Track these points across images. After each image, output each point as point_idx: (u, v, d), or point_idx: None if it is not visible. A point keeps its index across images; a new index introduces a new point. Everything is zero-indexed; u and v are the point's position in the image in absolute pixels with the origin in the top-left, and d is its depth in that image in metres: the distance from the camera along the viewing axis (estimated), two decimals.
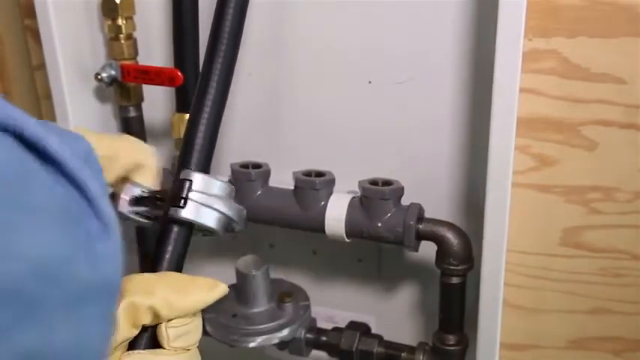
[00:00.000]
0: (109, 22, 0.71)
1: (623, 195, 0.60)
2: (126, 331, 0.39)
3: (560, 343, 0.67)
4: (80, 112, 0.75)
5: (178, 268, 0.45)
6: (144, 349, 0.40)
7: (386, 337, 0.71)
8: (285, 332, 0.68)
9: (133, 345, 0.40)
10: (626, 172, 0.59)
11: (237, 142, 0.75)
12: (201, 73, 0.49)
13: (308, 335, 0.71)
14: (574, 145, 0.60)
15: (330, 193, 0.65)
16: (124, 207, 0.44)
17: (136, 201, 0.44)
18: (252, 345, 0.67)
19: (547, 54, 0.57)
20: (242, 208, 0.46)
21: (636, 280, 0.63)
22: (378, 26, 0.65)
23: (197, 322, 0.41)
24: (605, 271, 0.63)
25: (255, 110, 0.73)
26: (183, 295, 0.40)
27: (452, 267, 0.62)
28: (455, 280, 0.63)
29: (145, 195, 0.44)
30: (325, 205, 0.64)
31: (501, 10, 0.53)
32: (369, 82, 0.67)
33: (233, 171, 0.68)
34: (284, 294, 0.71)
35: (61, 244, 0.25)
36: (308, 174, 0.66)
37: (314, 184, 0.64)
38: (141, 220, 0.45)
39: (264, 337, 0.68)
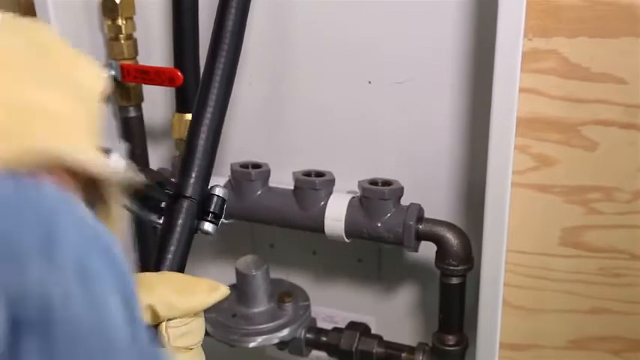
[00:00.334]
0: (109, 22, 0.71)
1: (622, 195, 0.60)
2: None
3: (560, 343, 0.67)
4: None
5: (181, 268, 0.45)
6: None
7: (386, 338, 0.71)
8: (285, 332, 0.68)
9: None
10: (626, 172, 0.59)
11: (237, 142, 0.75)
12: (203, 74, 0.49)
13: (308, 335, 0.71)
14: (574, 145, 0.60)
15: (330, 193, 0.65)
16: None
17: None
18: (252, 345, 0.67)
19: (547, 54, 0.57)
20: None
21: (636, 280, 0.63)
22: (377, 27, 0.65)
23: (198, 323, 0.41)
24: (604, 271, 0.63)
25: (256, 110, 0.73)
26: (182, 296, 0.40)
27: (451, 267, 0.62)
28: (454, 280, 0.63)
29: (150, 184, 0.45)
30: (325, 205, 0.64)
31: (501, 10, 0.53)
32: (369, 83, 0.67)
33: (233, 171, 0.68)
34: (284, 294, 0.71)
35: None
36: (308, 174, 0.66)
37: (314, 184, 0.65)
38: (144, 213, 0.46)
39: (264, 337, 0.68)
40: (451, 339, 0.66)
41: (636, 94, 0.57)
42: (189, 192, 0.47)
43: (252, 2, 0.53)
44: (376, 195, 0.62)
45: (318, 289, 0.79)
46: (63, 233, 0.24)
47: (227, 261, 0.81)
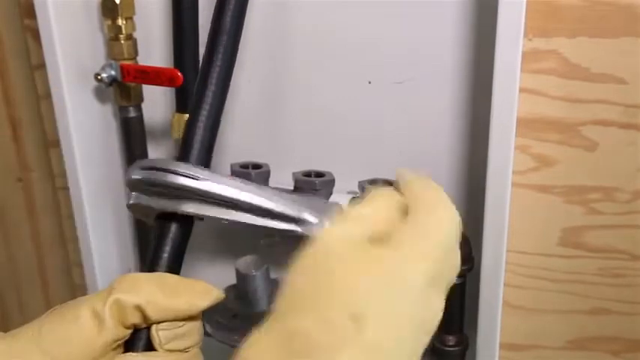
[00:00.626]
0: (109, 23, 0.71)
1: (622, 195, 0.60)
2: (115, 330, 0.38)
3: (560, 343, 0.67)
4: (80, 112, 0.75)
5: (175, 269, 0.44)
6: (139, 351, 0.40)
7: None
8: None
9: (129, 346, 0.40)
10: (626, 172, 0.59)
11: (237, 142, 0.74)
12: (200, 71, 0.49)
13: None
14: (574, 145, 0.60)
15: (330, 194, 0.65)
16: None
17: None
18: None
19: (547, 54, 0.57)
20: None
21: (636, 280, 0.63)
22: (377, 27, 0.65)
23: (193, 326, 0.41)
24: (604, 272, 0.63)
25: (255, 110, 0.73)
26: (172, 297, 0.39)
27: None
28: (455, 280, 0.63)
29: None
30: None
31: (501, 10, 0.53)
32: (369, 83, 0.67)
33: (233, 171, 0.68)
34: None
35: None
36: (308, 174, 0.66)
37: (314, 185, 0.64)
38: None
39: None
40: (451, 339, 0.66)
41: (636, 94, 0.57)
42: None
43: (251, 2, 0.53)
44: None
45: None
46: None
47: (227, 261, 0.81)
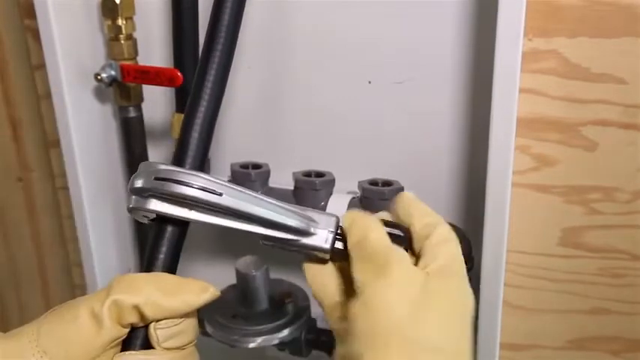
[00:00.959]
0: (109, 23, 0.71)
1: (622, 195, 0.60)
2: (113, 329, 0.39)
3: (560, 343, 0.67)
4: (80, 112, 0.75)
5: (172, 268, 0.45)
6: (137, 349, 0.40)
7: None
8: (285, 332, 0.68)
9: (126, 345, 0.40)
10: (626, 172, 0.59)
11: (237, 142, 0.75)
12: (197, 71, 0.49)
13: (308, 335, 0.71)
14: (574, 145, 0.60)
15: (330, 194, 0.65)
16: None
17: None
18: (252, 345, 0.67)
19: (547, 54, 0.57)
20: None
21: (635, 280, 0.63)
22: (377, 27, 0.65)
23: (189, 323, 0.41)
24: (604, 272, 0.63)
25: (255, 110, 0.73)
26: (169, 296, 0.40)
27: None
28: None
29: None
30: (325, 206, 0.64)
31: (501, 10, 0.53)
32: (369, 82, 0.67)
33: (233, 171, 0.68)
34: (284, 294, 0.71)
35: None
36: (308, 174, 0.66)
37: (314, 185, 0.65)
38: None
39: (264, 337, 0.67)
40: None
41: (636, 94, 0.57)
42: None
43: (251, 2, 0.53)
44: (376, 195, 0.62)
45: None
46: None
47: (227, 261, 0.81)
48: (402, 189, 0.63)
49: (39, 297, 1.02)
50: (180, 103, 0.70)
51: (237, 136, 0.74)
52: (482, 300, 0.62)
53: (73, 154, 0.75)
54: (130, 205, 0.44)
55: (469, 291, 0.41)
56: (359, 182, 0.64)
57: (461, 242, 0.44)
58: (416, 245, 0.43)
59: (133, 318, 0.39)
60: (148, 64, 0.72)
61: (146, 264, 0.44)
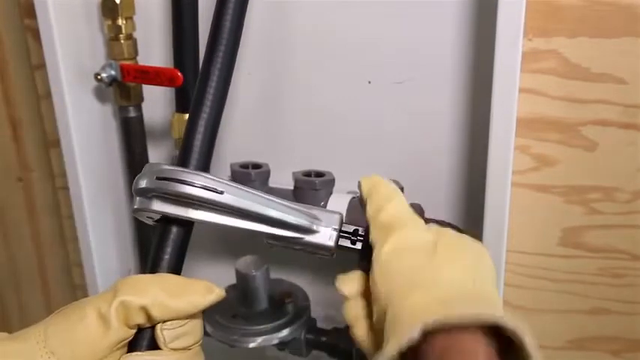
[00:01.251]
0: (109, 22, 0.71)
1: (622, 195, 0.60)
2: (120, 330, 0.39)
3: (560, 343, 0.67)
4: (80, 112, 0.75)
5: (177, 269, 0.45)
6: (144, 350, 0.40)
7: None
8: (285, 332, 0.68)
9: (133, 346, 0.40)
10: (626, 172, 0.59)
11: (237, 142, 0.75)
12: (201, 73, 0.49)
13: (308, 335, 0.71)
14: (574, 145, 0.60)
15: (330, 193, 0.65)
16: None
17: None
18: (252, 345, 0.67)
19: (547, 54, 0.57)
20: None
21: (635, 280, 0.63)
22: (377, 27, 0.65)
23: (195, 324, 0.41)
24: (604, 271, 0.63)
25: (255, 110, 0.73)
26: (175, 297, 0.40)
27: None
28: None
29: None
30: (325, 206, 0.64)
31: (501, 10, 0.53)
32: (369, 82, 0.67)
33: (233, 171, 0.68)
34: (284, 294, 0.71)
35: None
36: (308, 174, 0.66)
37: (314, 184, 0.65)
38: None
39: (264, 337, 0.68)
40: None
41: (636, 94, 0.57)
42: None
43: (251, 2, 0.53)
44: None
45: (318, 289, 0.79)
46: None
47: (227, 261, 0.81)
48: (402, 189, 0.63)
49: (39, 297, 1.02)
50: (180, 103, 0.70)
51: (237, 136, 0.74)
52: None
53: (73, 154, 0.75)
54: (135, 206, 0.44)
55: (482, 246, 0.43)
56: (359, 182, 0.64)
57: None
58: None
59: (140, 319, 0.39)
60: (148, 64, 0.72)
61: (151, 265, 0.44)
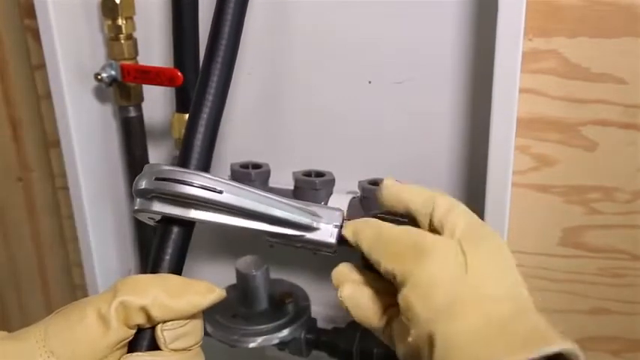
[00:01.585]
0: (109, 22, 0.71)
1: (622, 195, 0.60)
2: (120, 331, 0.39)
3: None
4: (80, 112, 0.75)
5: (178, 270, 0.45)
6: (144, 350, 0.40)
7: None
8: (285, 332, 0.68)
9: (133, 346, 0.40)
10: (626, 172, 0.59)
11: (237, 142, 0.75)
12: (201, 73, 0.49)
13: (308, 335, 0.71)
14: (574, 145, 0.60)
15: (330, 193, 0.65)
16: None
17: None
18: (252, 345, 0.67)
19: (547, 54, 0.57)
20: None
21: (636, 280, 0.63)
22: (377, 27, 0.65)
23: (195, 324, 0.41)
24: (604, 271, 0.63)
25: (255, 110, 0.73)
26: (176, 298, 0.40)
27: None
28: None
29: None
30: None
31: (501, 10, 0.53)
32: (369, 82, 0.67)
33: (233, 171, 0.68)
34: (284, 294, 0.71)
35: None
36: (308, 174, 0.66)
37: (314, 184, 0.65)
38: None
39: (264, 337, 0.68)
40: None
41: (636, 94, 0.57)
42: None
43: (251, 2, 0.53)
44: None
45: (318, 289, 0.79)
46: None
47: (227, 261, 0.81)
48: None
49: (39, 297, 1.02)
50: (180, 103, 0.70)
51: (237, 136, 0.74)
52: None
53: (73, 154, 0.75)
54: (135, 207, 0.44)
55: (503, 242, 0.42)
56: (359, 182, 0.64)
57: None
58: (423, 224, 0.43)
59: (140, 319, 0.39)
60: (148, 64, 0.72)
61: (151, 265, 0.44)
